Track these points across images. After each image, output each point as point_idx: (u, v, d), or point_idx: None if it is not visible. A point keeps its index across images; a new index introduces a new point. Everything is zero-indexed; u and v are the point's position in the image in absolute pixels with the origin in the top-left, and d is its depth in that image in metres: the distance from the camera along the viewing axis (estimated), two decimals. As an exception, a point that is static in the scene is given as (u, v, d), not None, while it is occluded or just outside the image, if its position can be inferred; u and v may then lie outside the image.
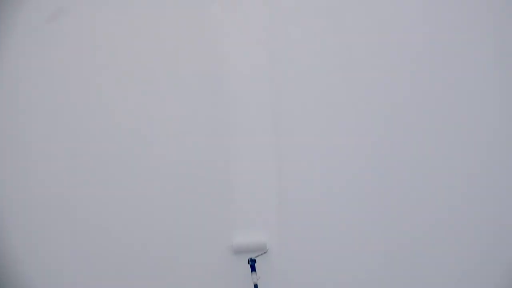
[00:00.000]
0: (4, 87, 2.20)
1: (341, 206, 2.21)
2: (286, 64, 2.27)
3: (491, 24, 2.29)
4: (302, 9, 2.30)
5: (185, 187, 2.21)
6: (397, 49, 2.28)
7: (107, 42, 2.25)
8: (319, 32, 2.29)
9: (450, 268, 2.17)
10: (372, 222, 2.19)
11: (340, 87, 2.27)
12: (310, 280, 2.21)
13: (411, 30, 2.29)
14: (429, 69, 2.28)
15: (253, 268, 2.17)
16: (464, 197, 2.21)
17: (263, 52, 2.26)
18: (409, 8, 2.30)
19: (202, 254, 2.20)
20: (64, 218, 2.16)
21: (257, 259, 2.18)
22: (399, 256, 2.19)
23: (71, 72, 2.22)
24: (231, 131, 2.23)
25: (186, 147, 2.22)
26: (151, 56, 2.25)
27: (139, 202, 2.18)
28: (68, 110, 2.21)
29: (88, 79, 2.23)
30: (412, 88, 2.27)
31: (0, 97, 2.19)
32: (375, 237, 2.19)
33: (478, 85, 2.26)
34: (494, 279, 2.15)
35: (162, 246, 2.18)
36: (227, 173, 2.23)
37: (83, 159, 2.19)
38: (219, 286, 2.19)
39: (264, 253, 2.20)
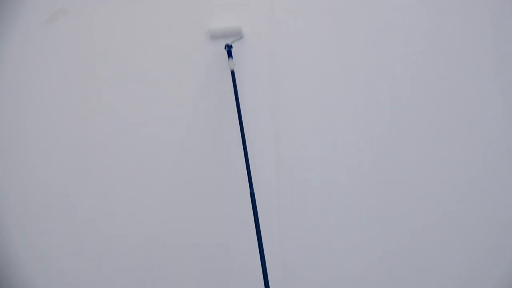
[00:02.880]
0: (4, 87, 2.21)
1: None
2: (286, 63, 2.27)
3: (491, 24, 2.30)
4: (302, 9, 2.31)
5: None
6: (397, 49, 2.29)
7: (106, 42, 2.26)
8: (319, 32, 2.30)
9: (450, 268, 2.18)
10: (371, 224, 2.20)
11: (340, 86, 2.27)
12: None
13: (412, 31, 2.30)
14: (430, 69, 2.28)
15: (229, 54, 2.10)
16: (464, 196, 2.21)
17: (263, 51, 2.27)
18: (409, 9, 2.31)
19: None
20: (63, 217, 2.16)
21: (233, 45, 2.11)
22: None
23: (70, 72, 2.23)
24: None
25: (186, 146, 2.23)
26: (150, 56, 2.26)
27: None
28: (68, 110, 2.21)
29: (87, 79, 2.24)
30: (412, 87, 2.27)
31: (0, 97, 2.20)
32: (372, 238, 2.21)
33: (478, 85, 2.27)
34: (494, 279, 2.16)
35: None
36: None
37: (82, 159, 2.20)
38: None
39: (240, 38, 2.13)
